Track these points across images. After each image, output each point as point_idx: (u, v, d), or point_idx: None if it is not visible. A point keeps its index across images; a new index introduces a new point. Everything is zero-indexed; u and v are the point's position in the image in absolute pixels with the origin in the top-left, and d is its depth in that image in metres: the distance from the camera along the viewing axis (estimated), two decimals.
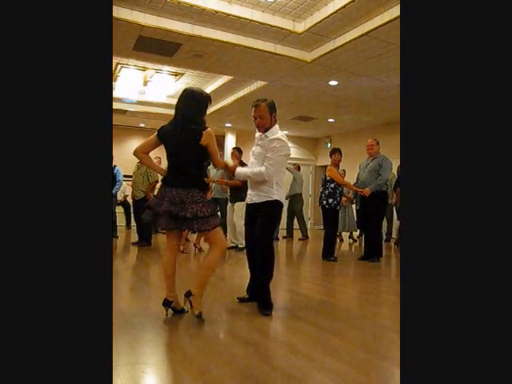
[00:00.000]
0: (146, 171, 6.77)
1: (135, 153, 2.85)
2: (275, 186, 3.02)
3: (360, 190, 5.61)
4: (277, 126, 3.06)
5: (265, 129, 3.02)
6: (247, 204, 3.19)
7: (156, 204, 2.67)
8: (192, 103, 2.67)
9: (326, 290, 3.92)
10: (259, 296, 3.00)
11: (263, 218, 3.01)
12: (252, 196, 3.11)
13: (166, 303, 2.74)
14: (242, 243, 6.06)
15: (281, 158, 2.95)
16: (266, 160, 2.93)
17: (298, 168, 9.19)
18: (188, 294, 2.65)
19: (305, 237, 8.63)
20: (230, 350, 2.20)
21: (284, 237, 8.76)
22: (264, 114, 2.98)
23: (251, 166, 3.09)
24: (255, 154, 3.08)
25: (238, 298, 3.18)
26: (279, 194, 3.05)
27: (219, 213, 5.70)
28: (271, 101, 3.07)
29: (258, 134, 3.14)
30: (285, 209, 8.60)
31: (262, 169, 2.93)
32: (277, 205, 3.03)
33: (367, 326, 2.70)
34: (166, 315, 2.73)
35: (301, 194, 8.71)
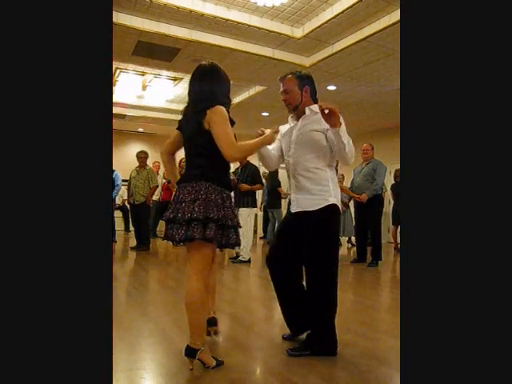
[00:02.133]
0: (148, 176, 6.77)
1: (162, 156, 2.26)
2: (331, 183, 2.21)
3: (357, 196, 5.63)
4: (316, 105, 2.21)
5: (294, 107, 2.25)
6: (290, 213, 2.31)
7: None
8: (204, 78, 2.07)
9: None
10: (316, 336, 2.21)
11: (319, 233, 2.15)
12: (299, 200, 2.22)
13: (189, 353, 1.97)
14: (243, 256, 5.71)
15: None
16: (342, 134, 2.05)
17: None
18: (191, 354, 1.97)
19: None
20: (228, 354, 2.19)
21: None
22: (291, 87, 2.22)
23: (295, 158, 2.23)
24: (302, 142, 2.20)
25: (282, 336, 2.46)
26: (336, 194, 2.23)
27: None
28: (304, 72, 2.32)
29: (291, 122, 2.33)
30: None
31: (351, 144, 2.14)
32: (335, 211, 2.20)
33: (367, 331, 2.69)
34: (191, 369, 1.98)
35: None
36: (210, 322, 2.37)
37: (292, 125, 2.30)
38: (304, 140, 2.20)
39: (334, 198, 2.18)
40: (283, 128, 2.38)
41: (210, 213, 1.90)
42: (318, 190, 2.16)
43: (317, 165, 2.18)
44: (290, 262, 2.31)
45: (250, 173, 5.60)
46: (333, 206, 2.17)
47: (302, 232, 2.20)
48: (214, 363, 2.00)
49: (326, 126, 2.07)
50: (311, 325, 2.23)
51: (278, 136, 2.37)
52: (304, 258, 2.21)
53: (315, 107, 2.20)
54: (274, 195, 8.23)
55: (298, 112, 2.26)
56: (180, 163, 7.43)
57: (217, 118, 1.92)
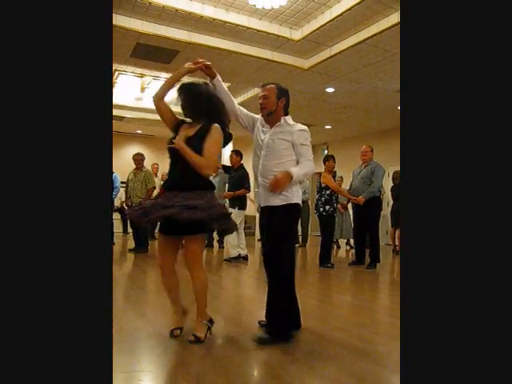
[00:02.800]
0: (145, 178, 6.75)
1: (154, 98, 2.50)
2: (294, 186, 2.51)
3: (354, 198, 5.64)
4: (289, 117, 2.61)
5: (268, 113, 2.54)
6: (261, 207, 2.62)
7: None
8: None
9: (323, 297, 3.91)
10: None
11: (280, 226, 2.47)
12: (266, 197, 2.52)
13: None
14: (232, 253, 5.89)
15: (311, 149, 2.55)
16: (304, 153, 2.48)
17: None
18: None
19: (303, 244, 8.59)
20: (226, 356, 2.19)
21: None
22: (270, 93, 2.53)
23: (264, 161, 2.53)
24: (271, 148, 2.51)
25: (258, 322, 2.74)
26: (299, 196, 2.56)
27: None
28: (284, 87, 2.63)
29: (260, 126, 2.64)
30: None
31: (309, 163, 2.49)
32: (295, 210, 2.53)
33: (365, 333, 2.69)
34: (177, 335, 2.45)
35: (307, 202, 8.54)
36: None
37: (265, 129, 2.60)
38: (273, 146, 2.50)
39: (297, 198, 2.51)
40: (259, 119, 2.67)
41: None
42: (283, 191, 2.44)
43: (282, 169, 2.43)
44: None
45: (238, 177, 5.70)
46: (295, 205, 2.49)
47: (266, 224, 2.53)
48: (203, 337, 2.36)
49: (296, 140, 2.48)
50: (270, 310, 2.55)
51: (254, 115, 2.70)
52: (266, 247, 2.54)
53: (289, 119, 2.58)
54: None
55: (270, 118, 2.56)
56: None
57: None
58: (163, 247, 2.52)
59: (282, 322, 2.48)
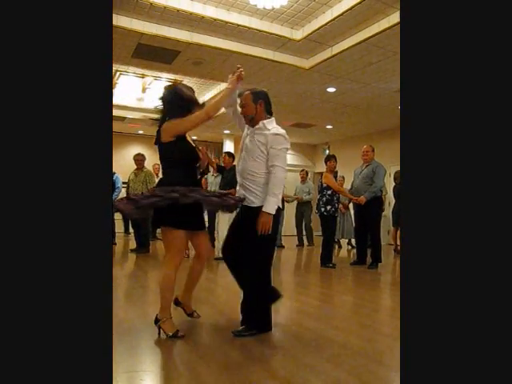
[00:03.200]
0: (145, 178, 6.75)
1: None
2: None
3: (355, 198, 5.63)
4: (273, 118, 2.68)
5: (250, 118, 2.65)
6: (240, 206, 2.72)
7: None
8: (166, 99, 2.67)
9: (324, 297, 3.91)
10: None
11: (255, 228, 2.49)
12: (246, 196, 2.61)
13: (176, 302, 2.76)
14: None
15: (285, 152, 2.58)
16: (274, 157, 2.51)
17: (306, 174, 8.83)
18: (156, 321, 2.52)
19: (311, 244, 8.52)
20: (228, 356, 2.19)
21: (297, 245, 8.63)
22: (247, 101, 2.65)
23: (243, 162, 2.66)
24: (249, 149, 2.63)
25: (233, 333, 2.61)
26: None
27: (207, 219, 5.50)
28: (259, 90, 2.74)
29: (247, 130, 2.76)
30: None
31: (278, 172, 2.51)
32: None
33: (367, 333, 2.69)
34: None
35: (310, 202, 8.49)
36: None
37: (248, 132, 2.71)
38: (250, 148, 2.61)
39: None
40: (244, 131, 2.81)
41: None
42: (259, 191, 2.55)
43: (258, 170, 2.56)
44: (242, 249, 2.65)
45: (230, 177, 5.72)
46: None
47: (245, 224, 2.60)
48: (171, 334, 2.42)
49: (269, 143, 2.53)
50: (248, 307, 2.60)
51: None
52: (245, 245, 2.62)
53: (269, 123, 2.61)
54: None
55: (253, 122, 2.65)
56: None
57: (174, 129, 2.53)
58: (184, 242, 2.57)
59: (261, 319, 2.60)
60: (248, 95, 2.66)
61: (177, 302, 2.80)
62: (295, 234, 8.89)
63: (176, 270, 2.51)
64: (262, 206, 2.50)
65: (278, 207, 2.56)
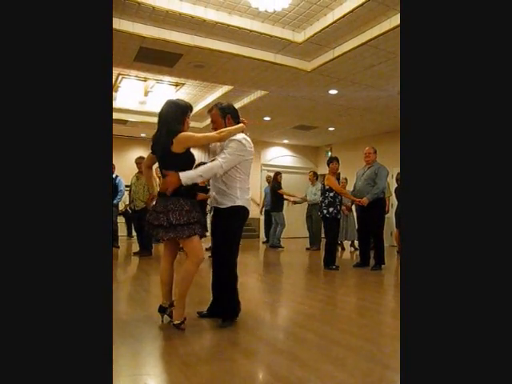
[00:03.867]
0: (146, 182, 6.75)
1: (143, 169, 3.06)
2: (239, 190, 2.84)
3: (358, 200, 5.62)
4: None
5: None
6: (213, 207, 3.00)
7: (150, 216, 2.75)
8: (169, 108, 2.75)
9: (327, 299, 3.91)
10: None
11: (222, 227, 2.84)
12: (216, 199, 2.89)
13: (161, 310, 2.83)
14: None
15: (236, 156, 2.75)
16: (220, 154, 2.77)
17: (315, 175, 8.63)
18: (171, 306, 2.78)
19: (316, 247, 8.34)
20: (231, 359, 2.19)
21: (308, 248, 8.52)
22: (215, 118, 2.91)
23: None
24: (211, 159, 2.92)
25: (197, 313, 3.05)
26: (243, 199, 2.85)
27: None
28: (226, 104, 2.98)
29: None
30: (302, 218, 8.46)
31: (214, 163, 2.74)
32: (239, 212, 2.84)
33: (370, 335, 2.68)
34: (162, 321, 2.82)
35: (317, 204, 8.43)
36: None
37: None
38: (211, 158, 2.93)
39: (241, 201, 2.82)
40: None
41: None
42: (228, 193, 2.81)
43: (231, 175, 2.80)
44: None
45: None
46: (238, 207, 2.82)
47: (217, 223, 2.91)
48: (178, 322, 2.66)
49: (226, 145, 2.78)
50: (220, 295, 2.91)
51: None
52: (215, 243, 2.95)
53: (238, 136, 2.81)
54: (276, 198, 8.22)
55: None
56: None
57: (187, 142, 2.66)
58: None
59: (233, 305, 2.87)
60: (216, 112, 2.90)
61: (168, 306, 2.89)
62: (300, 236, 8.82)
63: (198, 267, 2.72)
64: (231, 207, 2.79)
65: (245, 208, 2.86)
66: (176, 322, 2.67)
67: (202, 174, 2.71)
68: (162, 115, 2.75)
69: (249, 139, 2.86)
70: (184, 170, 2.67)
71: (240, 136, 2.81)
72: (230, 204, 2.81)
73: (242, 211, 2.86)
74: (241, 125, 2.89)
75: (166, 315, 2.82)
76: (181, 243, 2.78)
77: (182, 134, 2.64)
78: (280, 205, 8.32)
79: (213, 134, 2.79)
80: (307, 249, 8.43)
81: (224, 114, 2.89)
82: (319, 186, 8.67)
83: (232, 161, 2.75)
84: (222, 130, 2.81)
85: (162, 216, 2.63)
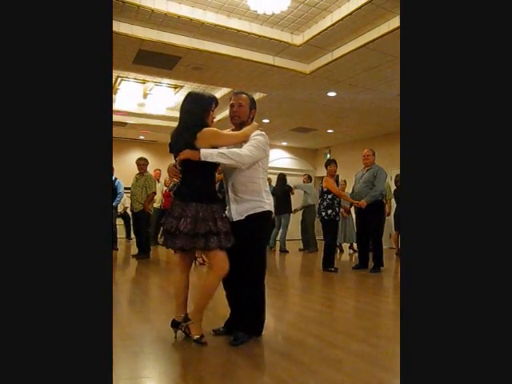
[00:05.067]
0: (145, 183, 6.73)
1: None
2: (264, 193, 2.55)
3: (356, 202, 5.63)
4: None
5: (240, 122, 2.59)
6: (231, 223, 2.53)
7: (166, 224, 2.45)
8: (192, 101, 2.49)
9: (326, 301, 3.90)
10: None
11: (255, 236, 2.48)
12: (237, 209, 2.51)
13: (175, 324, 2.52)
14: None
15: (262, 151, 2.48)
16: (248, 142, 2.47)
17: (309, 178, 8.85)
18: (185, 320, 2.46)
19: (312, 249, 8.37)
20: (230, 361, 2.19)
21: (300, 249, 8.56)
22: (244, 103, 2.58)
23: (234, 176, 2.54)
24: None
25: (213, 331, 2.67)
26: (270, 202, 2.57)
27: None
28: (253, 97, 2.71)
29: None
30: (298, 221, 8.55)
31: (242, 150, 2.40)
32: (267, 218, 2.55)
33: (369, 338, 2.68)
34: (175, 338, 2.50)
35: (314, 206, 8.31)
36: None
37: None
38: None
39: (269, 205, 2.54)
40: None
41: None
42: (253, 199, 2.51)
43: (253, 176, 2.53)
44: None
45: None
46: (266, 213, 2.53)
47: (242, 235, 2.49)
48: (198, 336, 2.41)
49: (252, 137, 2.50)
50: (245, 310, 2.54)
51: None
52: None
53: (258, 131, 2.56)
54: (284, 200, 8.22)
55: (241, 128, 2.59)
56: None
57: (212, 138, 2.38)
58: None
59: (256, 325, 2.57)
60: (247, 99, 2.60)
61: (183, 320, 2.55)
62: (295, 238, 8.85)
63: (221, 280, 2.47)
64: (259, 213, 2.48)
65: (270, 212, 2.55)
66: (196, 336, 2.42)
67: (226, 153, 2.33)
68: (184, 108, 2.48)
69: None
70: (206, 170, 2.43)
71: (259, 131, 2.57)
72: (259, 210, 2.49)
73: (270, 217, 2.57)
74: (256, 124, 2.62)
75: (180, 331, 2.50)
76: (204, 254, 2.55)
77: (208, 129, 2.38)
78: (290, 207, 8.36)
79: (238, 133, 2.51)
80: (300, 250, 8.48)
81: (253, 106, 2.63)
82: (313, 188, 8.73)
83: (258, 155, 2.46)
84: (246, 129, 2.53)
85: (186, 223, 2.33)
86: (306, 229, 8.52)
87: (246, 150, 2.40)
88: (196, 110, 2.43)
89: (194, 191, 2.40)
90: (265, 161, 2.57)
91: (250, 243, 2.47)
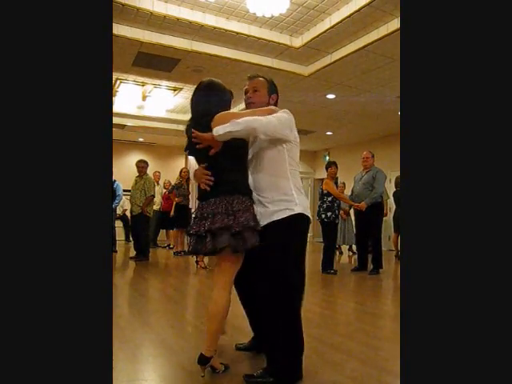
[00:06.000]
0: (144, 186, 6.72)
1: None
2: (294, 190, 1.96)
3: (356, 205, 5.64)
4: None
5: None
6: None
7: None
8: (209, 95, 2.10)
9: (325, 303, 3.90)
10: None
11: (279, 247, 1.89)
12: (263, 212, 1.95)
13: (204, 361, 1.94)
14: None
15: (287, 125, 1.99)
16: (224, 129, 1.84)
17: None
18: (205, 362, 1.95)
19: None
20: (231, 363, 2.18)
21: None
22: (260, 87, 2.10)
23: (255, 174, 2.03)
24: (262, 152, 2.00)
25: (236, 347, 2.37)
26: (302, 202, 1.96)
27: None
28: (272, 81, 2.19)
29: None
30: None
31: (265, 118, 1.89)
32: (303, 221, 1.95)
33: (369, 340, 2.67)
34: (203, 376, 1.96)
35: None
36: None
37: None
38: (265, 146, 2.02)
39: (300, 206, 1.95)
40: None
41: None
42: (282, 196, 1.95)
43: (274, 165, 2.00)
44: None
45: None
46: (299, 216, 1.94)
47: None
48: (223, 368, 2.08)
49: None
50: (275, 351, 1.94)
51: None
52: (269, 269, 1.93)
53: None
54: None
55: None
56: (181, 173, 7.37)
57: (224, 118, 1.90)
58: None
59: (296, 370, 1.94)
60: (263, 82, 2.12)
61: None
62: None
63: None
64: (288, 217, 1.91)
65: (307, 218, 1.97)
66: (220, 368, 2.05)
67: (239, 121, 1.84)
68: (194, 101, 2.14)
69: None
70: (240, 162, 2.01)
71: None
72: (287, 214, 1.91)
73: (303, 221, 1.96)
74: (277, 108, 2.06)
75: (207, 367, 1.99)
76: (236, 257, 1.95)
77: (218, 114, 1.93)
78: None
79: (256, 110, 2.00)
80: None
81: (272, 90, 2.13)
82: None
83: (281, 128, 1.93)
84: (267, 108, 2.02)
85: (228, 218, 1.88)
86: None
87: (266, 117, 1.90)
88: (211, 98, 2.07)
89: (234, 187, 1.96)
90: (293, 148, 2.02)
91: (273, 256, 1.90)
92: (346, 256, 8.49)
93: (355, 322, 3.25)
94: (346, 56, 5.01)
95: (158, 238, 9.19)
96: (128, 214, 8.11)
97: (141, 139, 10.75)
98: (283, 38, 4.99)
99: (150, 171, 7.31)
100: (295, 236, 1.96)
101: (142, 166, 6.82)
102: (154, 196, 6.99)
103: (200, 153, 2.01)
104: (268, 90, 2.12)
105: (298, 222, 1.93)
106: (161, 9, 4.32)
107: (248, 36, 4.81)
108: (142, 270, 5.79)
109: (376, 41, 4.56)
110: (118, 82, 6.88)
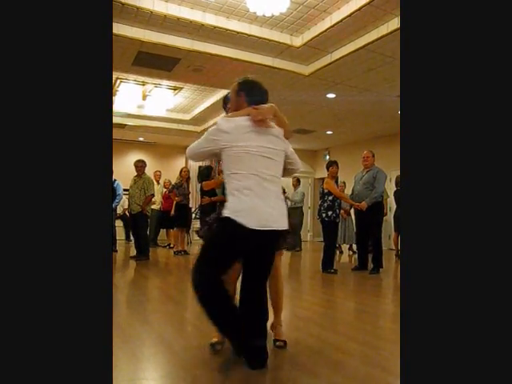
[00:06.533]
0: (143, 185, 6.71)
1: None
2: (230, 194, 2.04)
3: (356, 205, 5.63)
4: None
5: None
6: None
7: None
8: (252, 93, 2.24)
9: (326, 303, 3.90)
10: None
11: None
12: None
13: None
14: None
15: (204, 140, 2.09)
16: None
17: (298, 181, 8.96)
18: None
19: (298, 249, 8.51)
20: (230, 363, 2.18)
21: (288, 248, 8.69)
22: (231, 93, 2.32)
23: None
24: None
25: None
26: (233, 206, 2.00)
27: None
28: (244, 79, 2.36)
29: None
30: None
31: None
32: (229, 223, 1.98)
33: (369, 339, 2.67)
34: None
35: (299, 208, 8.58)
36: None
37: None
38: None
39: (227, 210, 2.04)
40: None
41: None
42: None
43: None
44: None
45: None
46: (224, 219, 2.05)
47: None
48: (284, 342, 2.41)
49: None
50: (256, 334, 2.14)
51: None
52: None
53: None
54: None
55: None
56: (181, 172, 7.36)
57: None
58: None
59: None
60: (233, 87, 2.31)
61: None
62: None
63: None
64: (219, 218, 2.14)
65: (228, 221, 2.00)
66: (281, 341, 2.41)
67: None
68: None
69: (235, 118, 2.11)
70: None
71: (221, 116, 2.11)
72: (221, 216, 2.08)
73: (226, 222, 2.03)
74: (272, 104, 2.29)
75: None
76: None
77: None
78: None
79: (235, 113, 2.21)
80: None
81: (239, 90, 2.28)
82: (300, 190, 8.79)
83: (197, 147, 2.13)
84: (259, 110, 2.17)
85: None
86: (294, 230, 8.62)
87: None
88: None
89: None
90: (229, 152, 2.03)
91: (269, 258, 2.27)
92: (346, 255, 8.49)
93: (356, 321, 3.25)
94: (346, 55, 5.01)
95: (159, 238, 9.19)
96: (127, 213, 8.11)
97: (141, 138, 10.75)
98: (283, 38, 4.99)
99: (150, 170, 7.31)
100: (213, 236, 2.23)
101: (140, 165, 6.81)
102: (153, 195, 6.99)
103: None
104: (236, 93, 2.25)
105: (223, 224, 2.07)
106: (161, 8, 4.32)
107: (248, 35, 4.81)
108: (143, 270, 5.79)
109: (376, 40, 4.56)
110: (119, 81, 6.88)
